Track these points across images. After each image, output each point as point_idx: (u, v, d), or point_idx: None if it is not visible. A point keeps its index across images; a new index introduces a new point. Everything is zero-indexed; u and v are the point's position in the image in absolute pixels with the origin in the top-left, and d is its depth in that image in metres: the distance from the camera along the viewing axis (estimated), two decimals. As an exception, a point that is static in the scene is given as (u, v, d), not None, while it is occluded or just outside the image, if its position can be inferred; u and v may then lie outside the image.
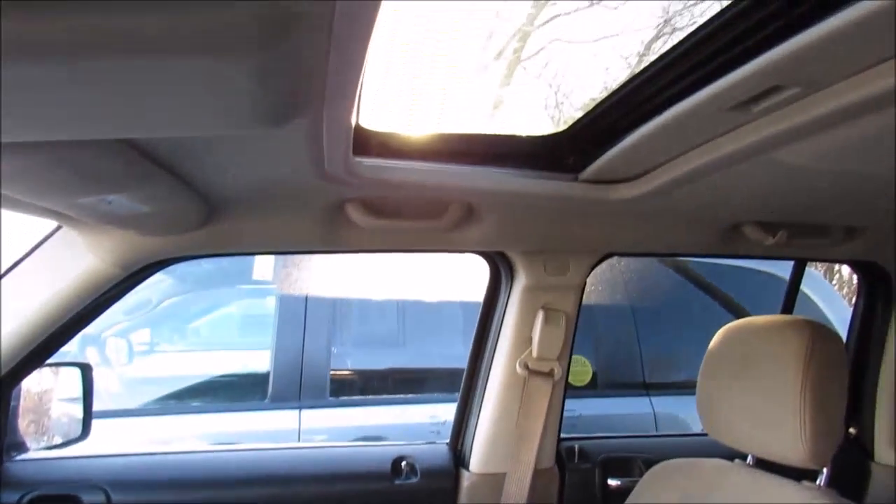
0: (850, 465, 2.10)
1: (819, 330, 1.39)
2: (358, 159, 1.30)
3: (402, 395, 3.29)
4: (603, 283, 3.45)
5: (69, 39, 0.63)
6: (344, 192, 1.43)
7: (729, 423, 1.49)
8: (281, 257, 3.37)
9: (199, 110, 0.82)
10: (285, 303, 3.30)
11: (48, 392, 1.85)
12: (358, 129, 1.31)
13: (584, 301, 3.14)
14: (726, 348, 1.54)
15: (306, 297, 3.24)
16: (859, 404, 2.13)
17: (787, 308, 2.24)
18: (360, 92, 1.15)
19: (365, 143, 1.33)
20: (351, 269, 3.22)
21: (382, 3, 0.72)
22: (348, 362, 3.41)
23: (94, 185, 1.08)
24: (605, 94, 1.28)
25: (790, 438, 1.33)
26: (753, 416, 1.42)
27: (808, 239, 1.75)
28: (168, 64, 0.68)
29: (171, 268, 4.03)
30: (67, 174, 1.00)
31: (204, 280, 4.25)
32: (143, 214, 1.30)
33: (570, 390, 3.36)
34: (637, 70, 1.18)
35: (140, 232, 1.43)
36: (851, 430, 2.17)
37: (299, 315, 3.22)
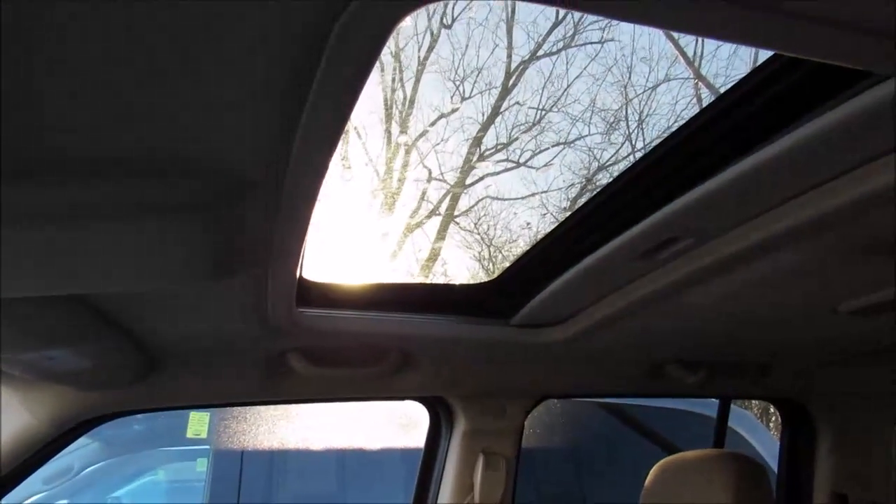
0: None
1: (745, 462, 1.48)
2: (301, 310, 1.37)
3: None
4: (542, 428, 3.47)
5: (33, 206, 0.70)
6: (286, 342, 1.48)
7: None
8: (216, 414, 3.28)
9: (150, 268, 0.88)
10: (219, 460, 3.18)
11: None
12: (301, 280, 1.38)
13: (525, 446, 3.16)
14: (662, 483, 1.59)
15: (242, 453, 3.13)
16: None
17: (718, 443, 2.31)
18: (305, 247, 1.24)
19: (308, 293, 1.40)
20: (288, 421, 3.16)
21: (328, 170, 0.82)
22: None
23: (39, 340, 1.10)
24: (529, 246, 1.41)
25: None
26: None
27: (727, 376, 1.86)
28: (122, 227, 0.76)
29: (96, 431, 3.85)
30: (13, 330, 1.02)
31: (130, 443, 4.07)
32: (85, 370, 1.31)
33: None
34: (556, 224, 1.32)
35: (79, 388, 1.43)
36: None
37: (234, 473, 3.09)
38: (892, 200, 0.87)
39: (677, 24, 0.60)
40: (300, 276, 1.37)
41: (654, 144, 1.02)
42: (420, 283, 1.61)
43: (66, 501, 4.56)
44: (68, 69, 0.55)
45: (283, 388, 1.60)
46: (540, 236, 1.38)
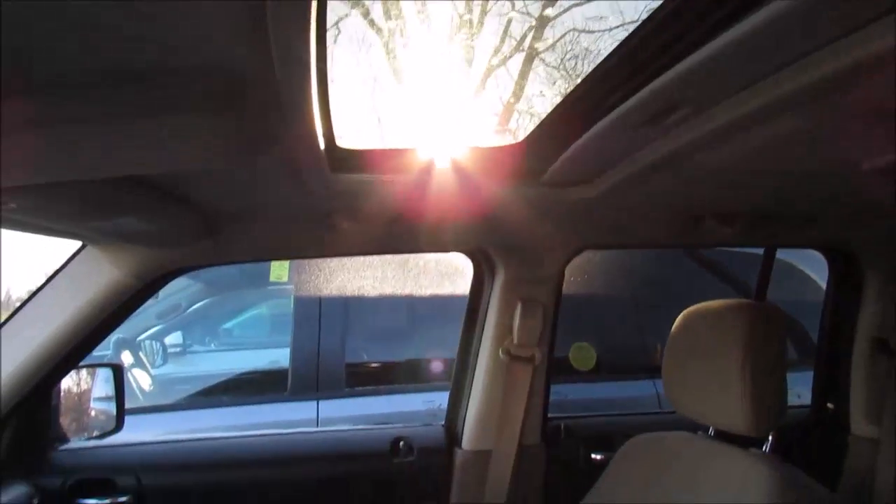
0: (828, 438, 2.23)
1: (761, 312, 1.54)
2: (336, 175, 1.48)
3: (413, 384, 3.47)
4: (602, 271, 3.57)
5: (95, 110, 0.84)
6: (328, 204, 1.61)
7: (689, 398, 1.64)
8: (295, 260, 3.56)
9: (184, 154, 1.01)
10: (301, 302, 3.50)
11: (86, 391, 2.07)
12: (336, 149, 1.48)
13: (584, 290, 3.29)
14: (685, 331, 1.68)
15: (320, 297, 3.43)
16: (836, 381, 2.25)
17: (760, 292, 2.35)
18: (330, 117, 1.33)
19: (343, 160, 1.51)
20: (362, 267, 3.41)
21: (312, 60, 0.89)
22: (363, 355, 3.61)
23: (105, 211, 1.28)
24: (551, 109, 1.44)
25: (735, 410, 1.48)
26: (707, 392, 1.57)
27: (767, 228, 1.88)
28: (157, 122, 0.88)
29: (195, 274, 4.24)
30: (82, 204, 1.20)
31: (228, 284, 4.48)
32: (152, 232, 1.50)
33: (575, 375, 3.52)
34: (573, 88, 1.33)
35: (151, 246, 1.63)
36: (829, 405, 2.29)
37: (314, 313, 3.41)
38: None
39: None
40: (335, 144, 1.47)
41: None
42: (453, 146, 1.68)
43: (180, 333, 5.14)
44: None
45: (332, 243, 1.76)
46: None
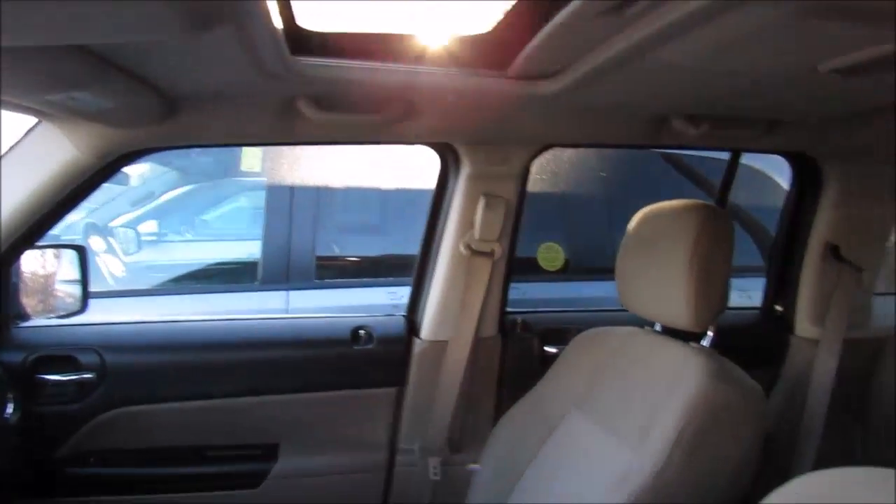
0: (773, 337, 2.32)
1: (711, 212, 1.57)
2: (297, 58, 1.44)
3: (382, 278, 3.53)
4: (573, 172, 3.58)
5: None
6: (291, 89, 1.58)
7: (637, 295, 1.70)
8: (268, 150, 3.53)
9: (126, 19, 0.98)
10: (273, 193, 3.49)
11: (52, 272, 2.09)
12: (297, 29, 1.44)
13: (553, 189, 3.31)
14: (639, 230, 1.72)
15: (292, 189, 3.42)
16: (785, 285, 2.33)
17: (722, 195, 2.39)
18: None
19: (305, 42, 1.47)
20: (334, 161, 3.39)
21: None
22: (333, 248, 3.65)
23: (58, 84, 1.25)
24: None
25: (678, 305, 1.54)
26: (654, 288, 1.63)
27: (732, 130, 1.88)
28: None
29: (168, 160, 4.17)
30: (33, 75, 1.17)
31: (202, 173, 4.43)
32: (108, 109, 1.47)
33: (544, 275, 3.59)
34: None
35: (109, 125, 1.60)
36: (777, 307, 2.38)
37: (286, 204, 3.42)
38: None
39: None
40: (296, 25, 1.43)
41: None
42: (419, 33, 1.64)
43: (156, 222, 5.13)
44: None
45: (296, 131, 1.74)
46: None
